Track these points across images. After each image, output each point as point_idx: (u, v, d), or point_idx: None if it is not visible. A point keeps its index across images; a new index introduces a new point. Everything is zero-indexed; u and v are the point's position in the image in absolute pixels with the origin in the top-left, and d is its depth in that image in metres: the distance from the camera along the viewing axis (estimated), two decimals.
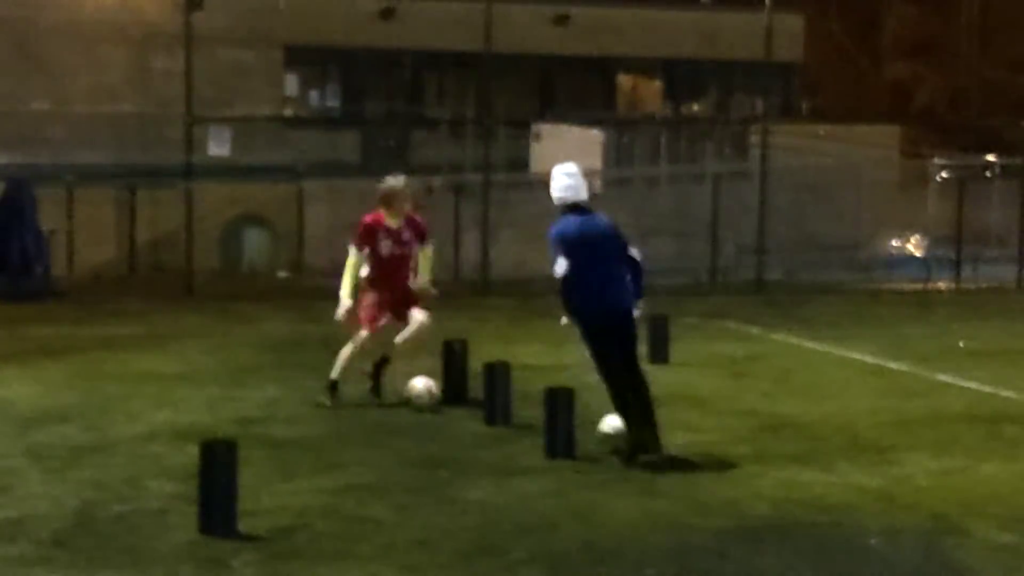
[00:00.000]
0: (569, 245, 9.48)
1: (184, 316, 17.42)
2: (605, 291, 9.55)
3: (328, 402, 11.31)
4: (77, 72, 25.09)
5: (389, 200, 11.40)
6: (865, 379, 13.29)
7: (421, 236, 11.53)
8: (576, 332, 9.84)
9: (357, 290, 11.35)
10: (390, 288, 11.33)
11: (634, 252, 9.77)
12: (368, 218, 11.42)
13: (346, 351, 11.40)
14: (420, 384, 11.21)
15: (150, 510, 8.14)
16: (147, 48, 25.32)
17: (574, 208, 9.67)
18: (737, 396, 12.21)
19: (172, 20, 21.74)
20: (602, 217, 9.81)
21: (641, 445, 9.46)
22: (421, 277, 11.54)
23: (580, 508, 8.34)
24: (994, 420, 11.18)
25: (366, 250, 11.31)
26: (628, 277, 9.68)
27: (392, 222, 11.36)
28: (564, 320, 9.80)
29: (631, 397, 9.60)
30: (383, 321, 11.36)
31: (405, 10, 27.80)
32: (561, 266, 9.44)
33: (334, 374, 11.39)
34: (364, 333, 11.32)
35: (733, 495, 8.68)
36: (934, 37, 36.80)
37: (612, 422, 9.72)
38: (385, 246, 11.32)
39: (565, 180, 9.73)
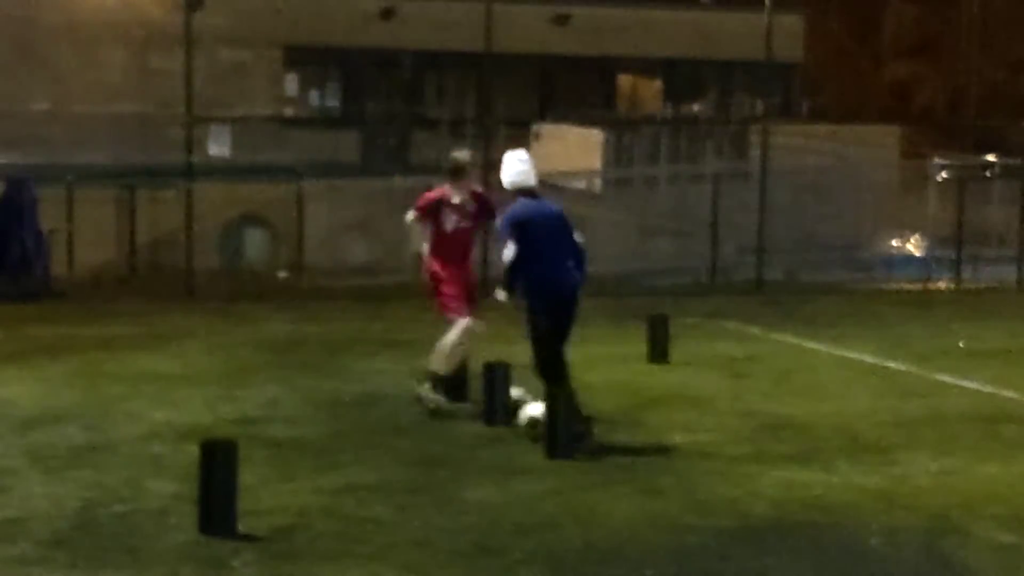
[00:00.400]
0: (526, 226, 9.96)
1: (184, 316, 17.41)
2: (559, 269, 10.02)
3: (437, 403, 10.85)
4: (77, 72, 25.09)
5: (457, 173, 11.13)
6: (865, 379, 13.28)
7: (490, 212, 11.20)
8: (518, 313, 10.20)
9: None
10: (458, 265, 11.08)
11: (578, 238, 10.24)
12: (432, 193, 11.18)
13: (446, 341, 10.96)
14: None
15: (150, 510, 8.14)
16: (147, 48, 25.33)
17: (526, 192, 10.18)
18: (737, 396, 12.21)
19: (172, 20, 21.72)
20: (552, 202, 10.52)
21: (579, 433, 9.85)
22: None
23: (580, 508, 8.34)
24: (994, 420, 11.18)
25: (427, 224, 11.03)
26: (572, 263, 10.13)
27: (457, 197, 11.07)
28: (502, 295, 10.15)
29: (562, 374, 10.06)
30: (469, 303, 11.04)
31: (405, 10, 27.82)
32: (510, 251, 9.90)
33: (439, 368, 10.96)
34: (462, 320, 10.93)
35: (733, 495, 8.68)
36: (934, 37, 36.80)
37: (535, 409, 9.99)
38: (451, 221, 11.03)
39: (519, 166, 10.25)
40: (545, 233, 9.97)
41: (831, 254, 24.65)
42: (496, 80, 22.96)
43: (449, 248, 11.08)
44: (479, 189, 11.52)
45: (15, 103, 24.31)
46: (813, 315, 18.36)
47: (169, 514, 8.03)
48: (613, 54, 30.60)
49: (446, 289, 11.05)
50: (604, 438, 10.12)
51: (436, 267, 11.08)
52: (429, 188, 11.67)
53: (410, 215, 11.17)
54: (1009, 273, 23.28)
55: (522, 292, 10.02)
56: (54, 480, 8.82)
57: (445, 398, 10.96)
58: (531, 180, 10.19)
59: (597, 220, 22.54)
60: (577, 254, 10.14)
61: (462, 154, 11.45)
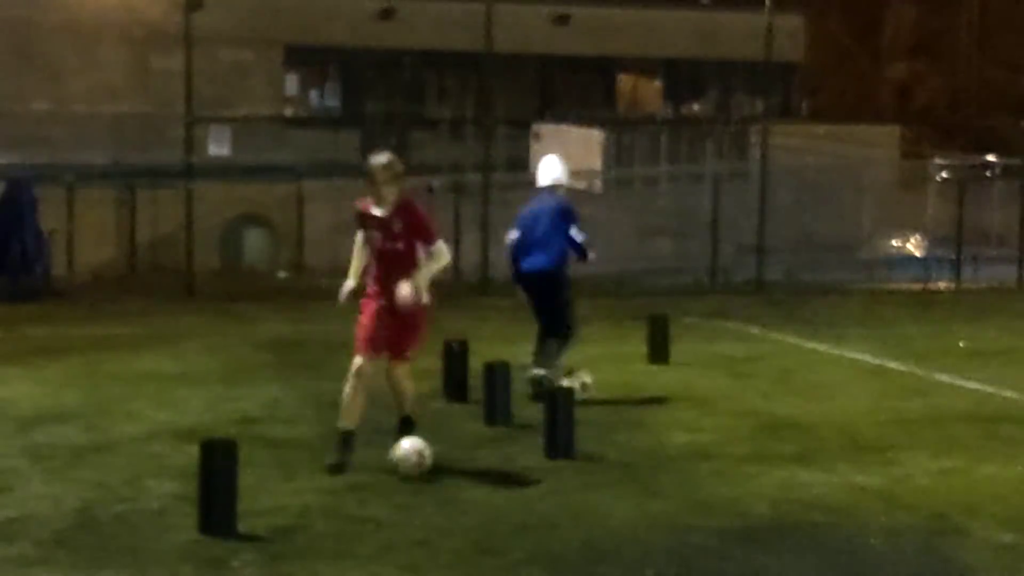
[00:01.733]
0: (519, 216, 12.07)
1: (184, 316, 17.42)
2: (522, 251, 11.86)
3: (336, 459, 9.15)
4: (77, 72, 25.09)
5: (367, 181, 9.15)
6: (865, 379, 13.29)
7: (419, 233, 9.13)
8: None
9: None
10: (388, 294, 9.14)
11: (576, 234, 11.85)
12: (360, 201, 9.33)
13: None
14: (406, 445, 9.16)
15: (150, 510, 8.14)
16: (147, 48, 25.33)
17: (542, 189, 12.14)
18: (737, 396, 12.21)
19: (172, 20, 21.74)
20: (548, 199, 12.02)
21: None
22: (417, 276, 9.09)
23: (580, 508, 8.34)
24: (994, 420, 11.18)
25: (362, 235, 9.29)
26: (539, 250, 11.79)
27: (376, 209, 9.17)
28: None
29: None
30: (380, 344, 9.22)
31: (405, 10, 27.82)
32: (512, 235, 12.02)
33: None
34: (356, 359, 9.24)
35: (733, 495, 8.68)
36: (934, 37, 36.76)
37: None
38: (376, 238, 9.17)
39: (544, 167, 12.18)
40: (522, 223, 11.90)
41: (831, 254, 24.63)
42: (496, 80, 22.95)
43: (379, 267, 9.23)
44: (411, 204, 9.21)
45: (15, 103, 24.31)
46: (813, 315, 18.36)
47: (169, 514, 8.03)
48: (613, 54, 30.60)
49: (362, 315, 9.31)
50: (604, 438, 10.13)
51: (368, 287, 9.29)
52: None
53: (358, 235, 9.37)
54: (1009, 273, 23.29)
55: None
56: (54, 480, 8.82)
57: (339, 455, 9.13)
58: (540, 180, 12.16)
59: (597, 220, 22.53)
60: (545, 244, 11.73)
61: (374, 158, 9.22)
